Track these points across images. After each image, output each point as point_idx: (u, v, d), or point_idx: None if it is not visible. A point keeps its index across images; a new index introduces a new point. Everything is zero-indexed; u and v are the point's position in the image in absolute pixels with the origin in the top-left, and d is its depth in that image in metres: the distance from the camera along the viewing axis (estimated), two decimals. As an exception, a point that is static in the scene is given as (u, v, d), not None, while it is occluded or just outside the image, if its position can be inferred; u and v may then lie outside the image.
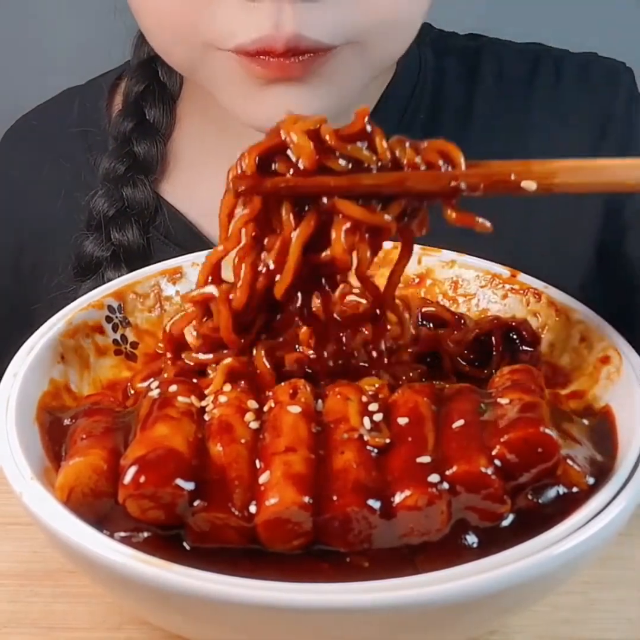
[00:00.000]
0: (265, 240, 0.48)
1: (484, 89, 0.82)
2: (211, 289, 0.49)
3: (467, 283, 0.58)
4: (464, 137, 0.78)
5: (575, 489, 0.42)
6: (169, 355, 0.51)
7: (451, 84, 0.82)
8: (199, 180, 0.80)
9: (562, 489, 0.42)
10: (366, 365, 0.51)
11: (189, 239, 0.77)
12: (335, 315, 0.51)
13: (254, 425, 0.45)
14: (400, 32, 0.67)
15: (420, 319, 0.57)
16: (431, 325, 0.57)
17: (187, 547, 0.41)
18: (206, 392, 0.48)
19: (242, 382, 0.48)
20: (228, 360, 0.50)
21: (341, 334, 0.51)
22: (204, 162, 0.80)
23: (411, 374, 0.52)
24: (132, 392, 0.52)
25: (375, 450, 0.43)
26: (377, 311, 0.51)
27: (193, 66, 0.67)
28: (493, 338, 0.54)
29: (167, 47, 0.68)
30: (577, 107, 0.81)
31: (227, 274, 0.50)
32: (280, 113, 0.62)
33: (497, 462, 0.42)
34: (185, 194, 0.80)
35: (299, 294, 0.49)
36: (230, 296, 0.48)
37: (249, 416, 0.45)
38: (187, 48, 0.65)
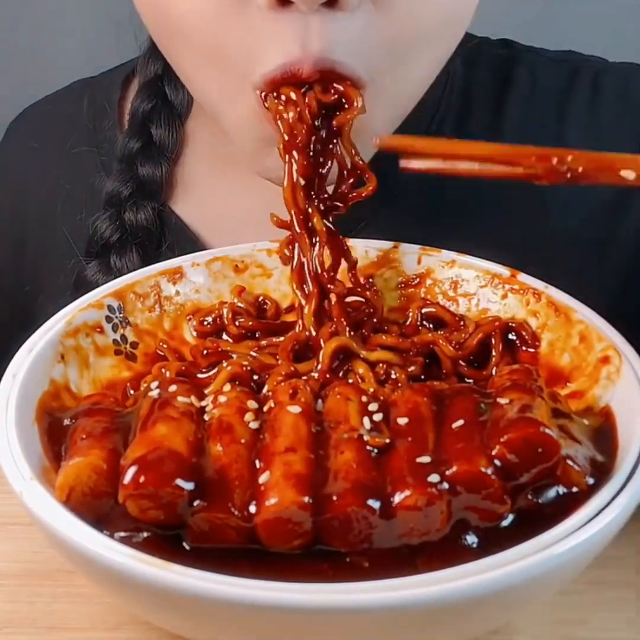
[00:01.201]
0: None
1: (516, 103, 0.77)
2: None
3: (467, 283, 0.58)
4: None
5: (575, 489, 0.42)
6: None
7: (480, 96, 0.78)
8: (210, 199, 0.78)
9: (562, 489, 0.42)
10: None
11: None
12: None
13: (253, 425, 0.45)
14: (423, 61, 0.61)
15: (420, 320, 0.57)
16: (431, 325, 0.57)
17: (187, 547, 0.41)
18: (206, 392, 0.48)
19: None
20: (230, 367, 0.50)
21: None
22: (216, 181, 0.78)
23: (412, 369, 0.52)
24: (132, 392, 0.52)
25: (375, 450, 0.43)
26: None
27: (219, 107, 0.62)
28: (492, 339, 0.54)
29: (197, 80, 0.63)
30: (615, 126, 0.76)
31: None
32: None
33: (497, 462, 0.42)
34: (195, 214, 0.78)
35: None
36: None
37: (248, 416, 0.45)
38: (219, 82, 0.60)
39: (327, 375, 0.51)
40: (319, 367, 0.51)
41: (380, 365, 0.52)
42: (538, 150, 0.49)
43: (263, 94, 0.56)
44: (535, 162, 0.48)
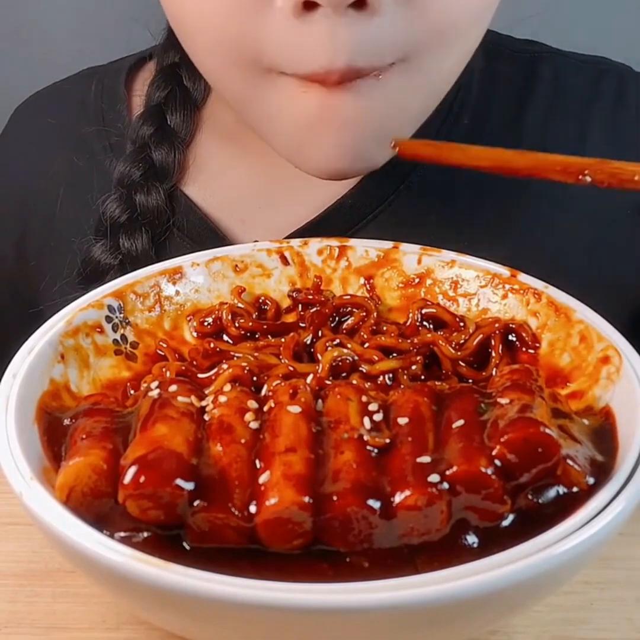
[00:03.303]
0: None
1: (539, 99, 0.77)
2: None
3: (467, 283, 0.58)
4: (513, 147, 0.76)
5: (575, 489, 0.42)
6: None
7: (502, 89, 0.77)
8: (222, 183, 0.78)
9: (562, 489, 0.42)
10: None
11: (207, 236, 0.75)
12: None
13: (254, 425, 0.45)
14: (454, 50, 0.61)
15: (420, 320, 0.57)
16: (431, 325, 0.57)
17: (187, 547, 0.41)
18: (206, 392, 0.48)
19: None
20: (231, 369, 0.50)
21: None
22: (228, 164, 0.78)
23: (413, 368, 0.52)
24: (133, 392, 0.52)
25: (376, 450, 0.43)
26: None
27: (248, 95, 0.62)
28: (492, 341, 0.54)
29: (225, 75, 0.63)
30: (636, 134, 0.76)
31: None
32: (337, 158, 0.61)
33: (497, 462, 0.42)
34: (206, 196, 0.78)
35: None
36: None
37: (248, 416, 0.45)
38: (245, 72, 0.60)
39: (326, 382, 0.51)
40: (319, 370, 0.51)
41: (382, 377, 0.52)
42: (562, 161, 0.50)
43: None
44: (559, 174, 0.50)
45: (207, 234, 0.75)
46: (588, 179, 0.49)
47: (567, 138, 0.76)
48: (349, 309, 0.58)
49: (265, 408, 0.46)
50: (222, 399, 0.46)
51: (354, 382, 0.50)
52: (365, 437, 0.44)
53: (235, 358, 0.54)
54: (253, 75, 0.60)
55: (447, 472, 0.42)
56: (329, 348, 0.53)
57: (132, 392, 0.52)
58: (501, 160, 0.52)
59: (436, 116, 0.74)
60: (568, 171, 0.50)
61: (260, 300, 0.60)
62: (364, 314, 0.57)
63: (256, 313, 0.59)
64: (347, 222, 0.73)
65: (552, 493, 0.42)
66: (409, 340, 0.55)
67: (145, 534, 0.41)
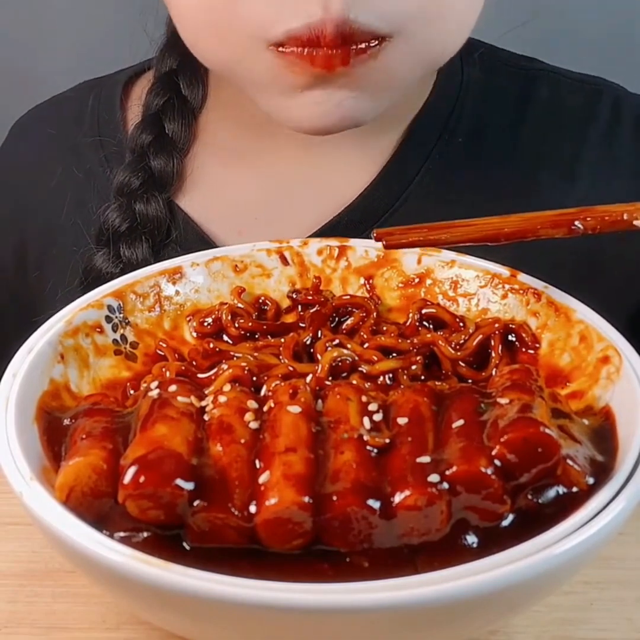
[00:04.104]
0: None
1: (535, 117, 0.77)
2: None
3: (467, 283, 0.58)
4: (508, 164, 0.76)
5: (575, 489, 0.42)
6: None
7: (498, 105, 0.77)
8: (218, 193, 0.78)
9: (562, 489, 0.42)
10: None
11: (203, 248, 0.76)
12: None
13: (253, 425, 0.45)
14: (453, 23, 0.61)
15: (420, 320, 0.57)
16: (431, 325, 0.57)
17: (187, 547, 0.41)
18: (206, 392, 0.48)
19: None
20: (230, 370, 0.50)
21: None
22: (224, 175, 0.78)
23: (413, 367, 0.52)
24: (132, 392, 0.52)
25: (375, 450, 0.43)
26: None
27: (232, 66, 0.63)
28: (492, 341, 0.54)
29: (206, 42, 0.64)
30: (631, 156, 0.76)
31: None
32: (321, 115, 0.61)
33: (497, 462, 0.42)
34: (202, 207, 0.78)
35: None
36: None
37: (248, 416, 0.45)
38: (230, 42, 0.61)
39: (326, 382, 0.51)
40: (318, 370, 0.51)
41: (382, 377, 0.52)
42: (550, 217, 0.51)
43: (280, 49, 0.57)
44: (550, 230, 0.50)
45: (204, 247, 0.74)
46: (580, 227, 0.49)
47: (561, 157, 0.76)
48: (349, 309, 0.58)
49: (265, 408, 0.46)
50: (222, 399, 0.46)
51: (354, 382, 0.50)
52: (365, 437, 0.44)
53: (235, 358, 0.54)
54: (239, 48, 0.60)
55: (447, 472, 0.42)
56: (329, 348, 0.54)
57: (132, 392, 0.52)
58: (489, 229, 0.52)
59: (432, 132, 0.74)
60: (558, 225, 0.51)
61: (260, 301, 0.60)
62: (364, 314, 0.57)
63: (256, 313, 0.59)
64: (346, 236, 0.73)
65: (552, 493, 0.42)
66: (408, 341, 0.55)
67: (145, 534, 0.41)
